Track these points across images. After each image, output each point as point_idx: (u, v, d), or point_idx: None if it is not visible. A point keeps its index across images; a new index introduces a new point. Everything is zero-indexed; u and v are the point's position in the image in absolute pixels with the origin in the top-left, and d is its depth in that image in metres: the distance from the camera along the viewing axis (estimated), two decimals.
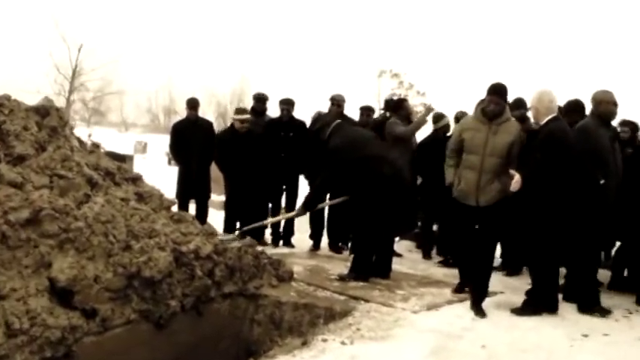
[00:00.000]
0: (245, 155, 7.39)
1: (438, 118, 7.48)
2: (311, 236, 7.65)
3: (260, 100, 8.04)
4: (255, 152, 7.41)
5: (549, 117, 5.00)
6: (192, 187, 7.85)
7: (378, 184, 5.67)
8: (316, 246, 7.58)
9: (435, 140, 7.29)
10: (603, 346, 4.34)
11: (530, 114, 5.67)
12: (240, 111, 7.76)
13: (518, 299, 5.21)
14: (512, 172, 4.94)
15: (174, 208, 5.60)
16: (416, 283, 5.94)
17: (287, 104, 7.71)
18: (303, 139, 7.27)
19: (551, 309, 5.03)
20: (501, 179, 5.02)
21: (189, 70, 73.91)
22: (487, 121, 5.11)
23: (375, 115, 7.98)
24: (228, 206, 7.73)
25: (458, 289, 5.53)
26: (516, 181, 4.86)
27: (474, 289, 5.17)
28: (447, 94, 31.74)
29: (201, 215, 7.60)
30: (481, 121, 5.15)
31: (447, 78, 54.10)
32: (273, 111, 8.31)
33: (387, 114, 7.63)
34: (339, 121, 6.27)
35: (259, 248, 5.73)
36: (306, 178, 7.53)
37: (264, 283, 5.32)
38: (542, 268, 5.05)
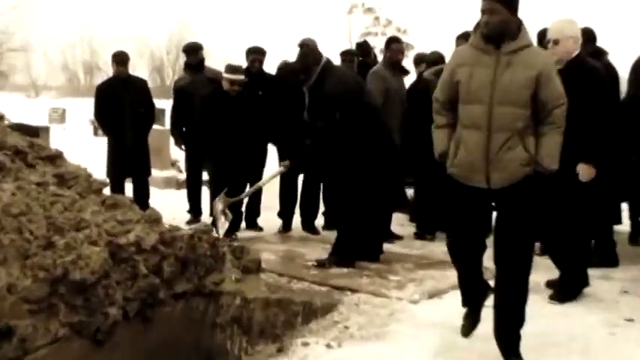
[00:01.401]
0: (237, 123, 7.15)
1: (422, 58, 7.33)
2: (280, 214, 7.53)
3: (192, 50, 7.95)
4: (251, 119, 7.18)
5: (576, 52, 4.89)
6: (128, 163, 7.67)
7: (383, 143, 5.58)
8: (287, 227, 7.48)
9: (417, 90, 7.08)
10: None
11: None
12: (232, 69, 7.47)
13: (541, 278, 5.15)
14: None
15: (107, 191, 5.42)
16: (412, 265, 5.89)
17: (257, 54, 7.55)
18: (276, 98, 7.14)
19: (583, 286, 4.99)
20: (527, 142, 3.80)
21: (113, 15, 72.24)
22: (492, 48, 3.82)
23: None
24: (214, 186, 7.53)
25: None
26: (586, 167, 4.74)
27: (501, 331, 3.96)
28: (433, 32, 31.66)
29: (142, 197, 7.45)
30: (482, 49, 3.85)
31: (431, 13, 54.10)
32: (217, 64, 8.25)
33: (362, 59, 7.48)
34: (326, 58, 5.98)
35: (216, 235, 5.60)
36: (277, 145, 7.41)
37: (225, 278, 5.20)
38: (571, 246, 4.95)
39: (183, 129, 8.10)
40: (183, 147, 8.22)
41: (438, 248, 6.65)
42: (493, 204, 4.04)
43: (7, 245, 3.96)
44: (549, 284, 5.11)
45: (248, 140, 7.16)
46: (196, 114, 7.66)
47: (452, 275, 5.43)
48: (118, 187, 7.35)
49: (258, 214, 7.62)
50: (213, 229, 5.67)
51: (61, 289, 4.04)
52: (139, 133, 7.76)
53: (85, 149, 12.68)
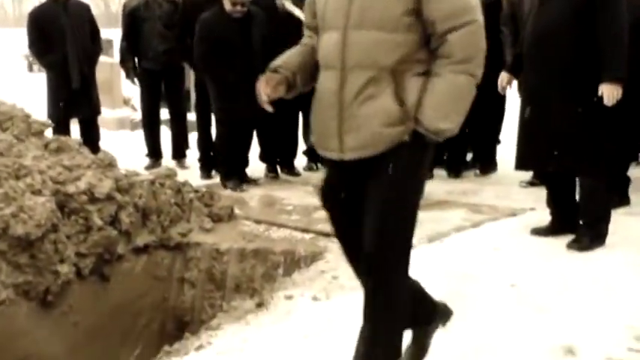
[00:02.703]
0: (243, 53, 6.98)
1: None
2: (262, 157, 7.49)
3: None
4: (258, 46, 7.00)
5: None
6: (73, 102, 7.59)
7: None
8: (273, 168, 7.44)
9: None
10: None
11: None
12: None
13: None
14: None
15: (49, 133, 5.40)
16: None
17: None
18: None
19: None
20: (403, 88, 2.81)
21: None
22: None
23: None
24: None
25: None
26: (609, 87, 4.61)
27: None
28: None
29: (91, 140, 7.41)
30: None
31: None
32: None
33: None
34: None
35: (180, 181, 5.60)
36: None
37: (193, 228, 5.27)
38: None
39: (136, 60, 8.00)
40: (136, 82, 8.13)
41: (438, 187, 6.70)
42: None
43: None
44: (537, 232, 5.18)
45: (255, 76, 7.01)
46: (153, 42, 7.55)
47: (454, 216, 5.56)
48: (62, 129, 7.29)
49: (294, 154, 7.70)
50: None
51: (2, 246, 4.08)
52: (84, 67, 7.66)
53: (19, 87, 12.58)
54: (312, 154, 7.61)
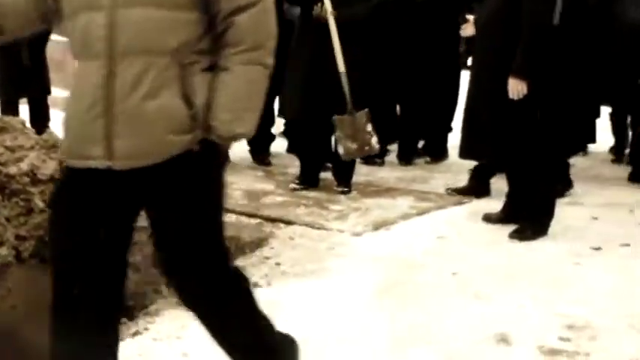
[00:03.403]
0: None
1: None
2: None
3: None
4: None
5: None
6: (22, 81, 7.48)
7: None
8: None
9: None
10: (621, 262, 4.46)
11: None
12: None
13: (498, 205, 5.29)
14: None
15: None
16: (357, 193, 5.94)
17: None
18: None
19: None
20: (190, 82, 2.32)
21: None
22: None
23: None
24: None
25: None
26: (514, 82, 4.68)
27: None
28: None
29: (40, 121, 7.31)
30: None
31: None
32: None
33: None
34: None
35: None
36: None
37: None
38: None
39: None
40: None
41: (388, 174, 6.75)
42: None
43: None
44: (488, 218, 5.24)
45: None
46: None
47: (401, 204, 5.61)
48: (10, 110, 7.19)
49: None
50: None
51: None
52: (34, 45, 7.54)
53: None
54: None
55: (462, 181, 6.03)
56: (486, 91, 4.90)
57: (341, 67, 5.67)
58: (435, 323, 3.54)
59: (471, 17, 5.14)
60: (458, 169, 6.64)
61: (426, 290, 3.99)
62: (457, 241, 4.85)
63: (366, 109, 5.72)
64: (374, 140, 5.72)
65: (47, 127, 6.93)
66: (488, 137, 4.98)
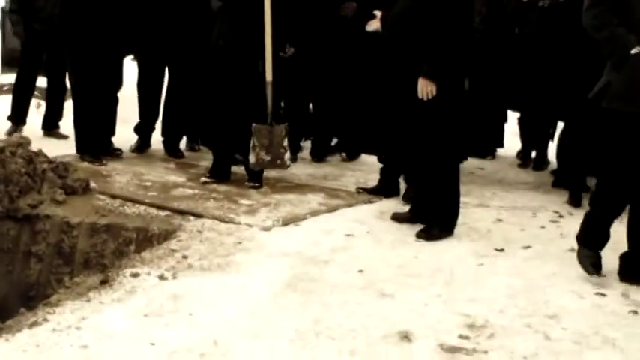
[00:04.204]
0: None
1: None
2: (137, 130, 7.29)
3: None
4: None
5: None
6: None
7: None
8: (144, 145, 7.27)
9: None
10: (522, 263, 4.56)
11: None
12: None
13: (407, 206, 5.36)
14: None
15: None
16: (268, 188, 5.93)
17: None
18: None
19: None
20: None
21: None
22: None
23: None
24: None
25: None
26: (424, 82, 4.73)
27: None
28: None
29: None
30: None
31: None
32: None
33: None
34: None
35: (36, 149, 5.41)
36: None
37: (44, 199, 5.12)
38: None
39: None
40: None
41: (300, 171, 6.75)
42: None
43: None
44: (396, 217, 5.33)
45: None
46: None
47: (312, 200, 5.61)
48: None
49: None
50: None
51: None
52: None
53: None
54: (192, 133, 7.51)
55: (374, 180, 6.08)
56: (394, 90, 4.96)
57: (268, 75, 5.70)
58: (338, 319, 3.56)
59: (378, 13, 5.14)
60: (370, 168, 6.70)
61: (331, 287, 4.00)
62: (365, 238, 4.88)
63: (285, 124, 5.80)
64: (287, 156, 5.81)
65: None
66: (394, 135, 5.06)
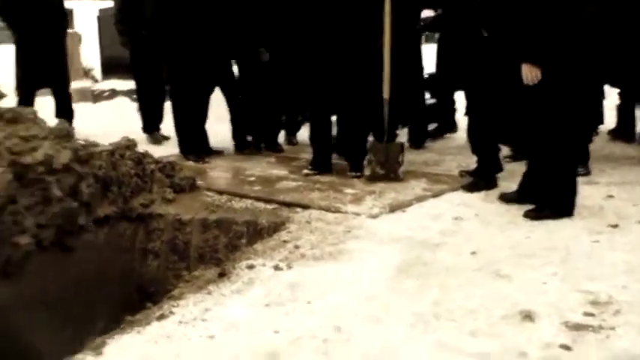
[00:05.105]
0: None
1: None
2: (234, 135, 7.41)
3: None
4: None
5: None
6: (42, 71, 7.49)
7: None
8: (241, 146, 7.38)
9: None
10: (638, 238, 4.44)
11: None
12: None
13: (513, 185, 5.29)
14: None
15: (8, 103, 5.34)
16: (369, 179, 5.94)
17: None
18: None
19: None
20: None
21: None
22: None
23: None
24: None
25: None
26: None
27: None
28: None
29: (64, 111, 7.39)
30: None
31: None
32: None
33: None
34: None
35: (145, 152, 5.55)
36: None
37: (155, 198, 5.25)
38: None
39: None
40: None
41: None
42: None
43: None
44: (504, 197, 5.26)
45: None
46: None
47: (415, 186, 5.59)
48: (27, 99, 7.26)
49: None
50: None
51: None
52: (54, 37, 7.57)
53: None
54: (290, 127, 7.61)
55: (474, 163, 6.02)
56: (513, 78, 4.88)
57: (385, 93, 5.80)
58: (457, 301, 3.53)
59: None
60: (469, 152, 6.62)
61: (445, 270, 3.98)
62: (474, 221, 4.84)
63: (402, 142, 6.01)
64: (401, 170, 5.87)
65: (72, 118, 6.98)
66: (512, 121, 5.00)
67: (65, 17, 7.86)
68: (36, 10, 7.42)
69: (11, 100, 6.79)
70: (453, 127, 7.83)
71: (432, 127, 7.65)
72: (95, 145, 5.20)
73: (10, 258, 4.20)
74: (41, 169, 4.52)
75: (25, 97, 7.36)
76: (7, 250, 4.18)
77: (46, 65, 7.51)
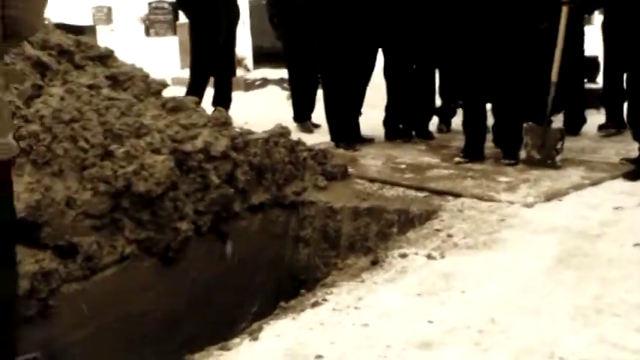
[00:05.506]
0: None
1: None
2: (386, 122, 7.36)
3: None
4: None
5: None
6: (213, 61, 7.70)
7: None
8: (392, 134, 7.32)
9: None
10: None
11: None
12: None
13: None
14: None
15: (166, 93, 5.49)
16: (523, 164, 5.79)
17: None
18: None
19: None
20: None
21: None
22: None
23: None
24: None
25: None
26: None
27: None
28: None
29: (223, 100, 7.58)
30: None
31: None
32: None
33: None
34: None
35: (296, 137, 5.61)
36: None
37: (307, 186, 5.30)
38: None
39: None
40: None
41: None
42: None
43: (62, 155, 4.09)
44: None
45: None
46: None
47: (572, 174, 5.41)
48: (199, 89, 7.46)
49: None
50: None
51: (125, 203, 4.18)
52: (228, 26, 7.78)
53: (136, 51, 12.86)
54: (444, 114, 7.53)
55: (635, 150, 5.76)
56: None
57: (554, 76, 5.70)
58: (620, 295, 3.39)
59: None
60: (629, 138, 6.35)
61: (607, 262, 3.82)
62: (636, 211, 4.62)
63: (562, 127, 5.83)
64: (558, 158, 5.69)
65: (229, 107, 7.17)
66: None
67: (237, 6, 8.02)
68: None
69: (172, 90, 6.99)
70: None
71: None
72: (250, 132, 5.31)
73: (170, 243, 4.33)
74: (200, 157, 4.65)
75: (197, 84, 7.58)
76: (169, 235, 4.32)
77: (218, 53, 7.70)
